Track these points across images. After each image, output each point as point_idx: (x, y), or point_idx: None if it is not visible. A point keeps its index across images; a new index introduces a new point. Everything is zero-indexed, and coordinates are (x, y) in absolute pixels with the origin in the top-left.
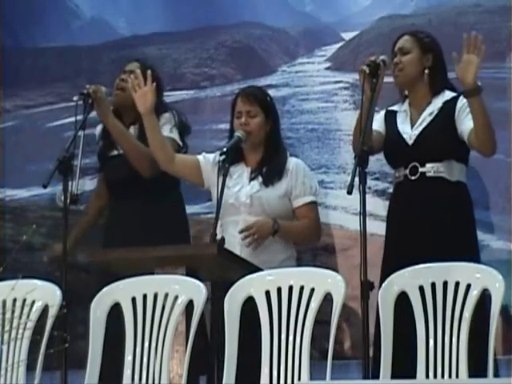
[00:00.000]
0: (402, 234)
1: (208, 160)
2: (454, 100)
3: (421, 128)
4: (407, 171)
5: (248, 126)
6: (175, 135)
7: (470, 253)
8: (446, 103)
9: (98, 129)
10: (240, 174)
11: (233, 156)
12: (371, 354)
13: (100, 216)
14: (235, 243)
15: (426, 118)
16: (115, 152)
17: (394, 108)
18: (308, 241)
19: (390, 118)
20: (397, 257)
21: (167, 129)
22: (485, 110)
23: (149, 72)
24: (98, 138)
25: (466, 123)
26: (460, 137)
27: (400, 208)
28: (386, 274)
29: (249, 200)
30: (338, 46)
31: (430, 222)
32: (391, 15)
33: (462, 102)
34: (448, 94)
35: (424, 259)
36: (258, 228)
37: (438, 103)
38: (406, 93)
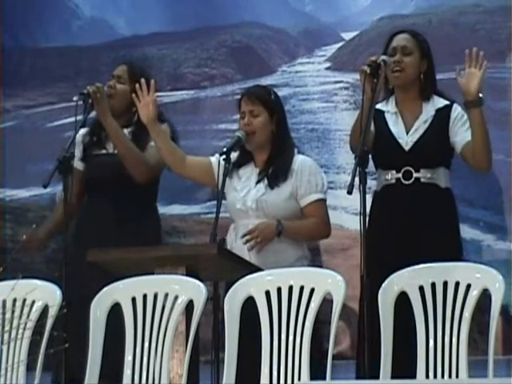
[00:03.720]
0: (392, 236)
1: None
2: (447, 108)
3: (417, 135)
4: (400, 175)
5: (250, 125)
6: None
7: (456, 257)
8: (438, 111)
9: (82, 131)
10: (249, 176)
11: (241, 158)
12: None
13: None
14: (245, 246)
15: (421, 125)
16: (103, 151)
17: (380, 107)
18: (316, 238)
19: (378, 117)
20: (387, 257)
21: None
22: (484, 122)
23: (152, 82)
24: (79, 140)
25: (460, 135)
26: (451, 146)
27: (392, 210)
28: (375, 272)
29: (254, 204)
30: (338, 45)
31: (422, 226)
32: (391, 15)
33: (456, 111)
34: (438, 100)
35: (415, 260)
36: (261, 231)
37: (430, 110)
38: (390, 87)
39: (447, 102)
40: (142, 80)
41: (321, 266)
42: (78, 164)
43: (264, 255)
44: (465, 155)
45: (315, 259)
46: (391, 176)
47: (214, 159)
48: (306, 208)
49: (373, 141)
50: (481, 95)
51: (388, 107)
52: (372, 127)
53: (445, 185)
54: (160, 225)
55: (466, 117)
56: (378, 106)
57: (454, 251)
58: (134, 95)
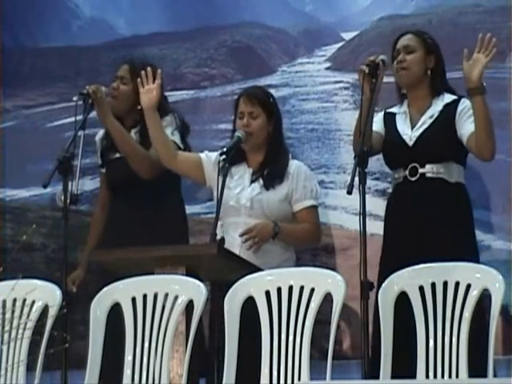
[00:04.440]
0: (401, 234)
1: (210, 159)
2: (455, 103)
3: (421, 130)
4: (407, 172)
5: (249, 127)
6: (176, 138)
7: (470, 253)
8: (446, 106)
9: (100, 134)
10: (241, 174)
11: (234, 156)
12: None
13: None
14: (235, 245)
15: (426, 120)
16: (117, 155)
17: (393, 110)
18: (307, 244)
19: (389, 119)
20: (396, 256)
21: (169, 132)
22: (487, 111)
23: (159, 71)
24: (98, 144)
25: (466, 127)
26: (459, 139)
27: (400, 208)
28: (384, 273)
29: (249, 203)
30: (338, 45)
31: (429, 222)
32: (391, 15)
33: (463, 105)
34: (448, 97)
35: (423, 259)
36: (259, 231)
37: (438, 106)
38: (404, 91)
39: (455, 97)
40: (148, 68)
41: (321, 266)
42: (101, 169)
43: (255, 255)
44: (470, 145)
45: (315, 259)
46: (399, 174)
47: (203, 155)
48: (299, 213)
49: (382, 143)
50: (484, 84)
51: (400, 109)
52: (382, 130)
53: (455, 179)
54: (186, 223)
55: None
56: (391, 110)
57: (463, 245)
58: (138, 80)
